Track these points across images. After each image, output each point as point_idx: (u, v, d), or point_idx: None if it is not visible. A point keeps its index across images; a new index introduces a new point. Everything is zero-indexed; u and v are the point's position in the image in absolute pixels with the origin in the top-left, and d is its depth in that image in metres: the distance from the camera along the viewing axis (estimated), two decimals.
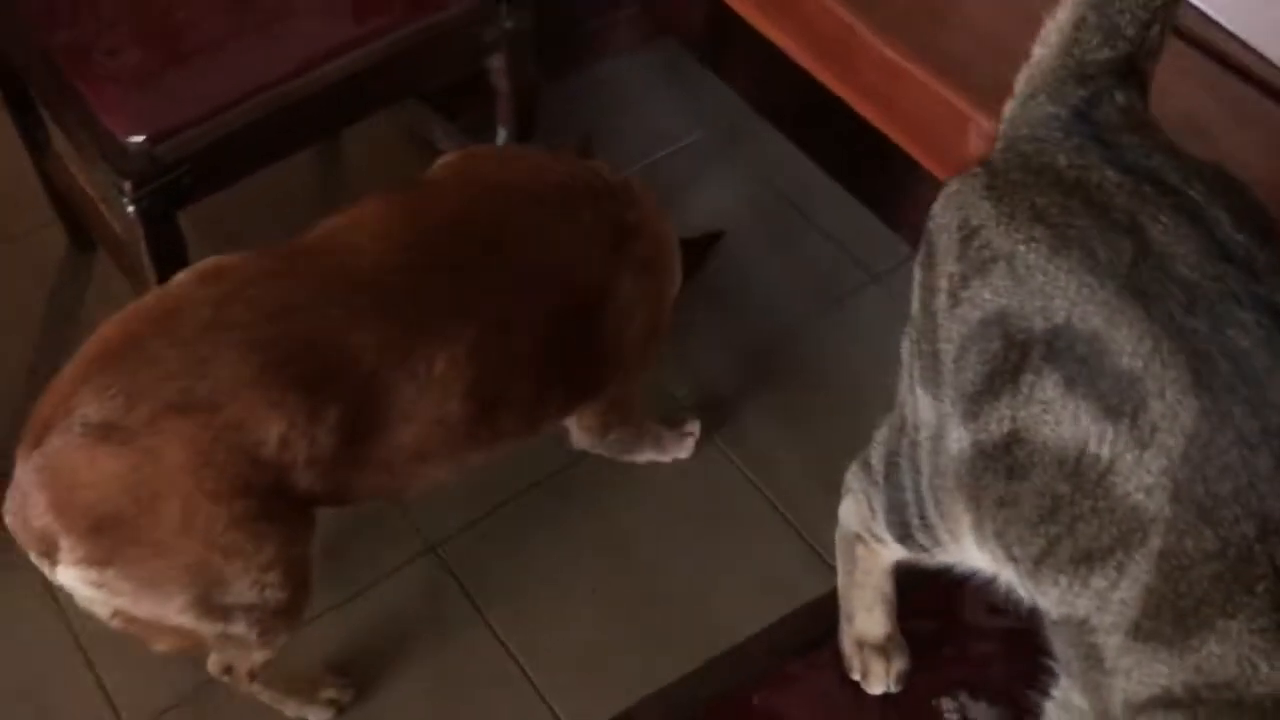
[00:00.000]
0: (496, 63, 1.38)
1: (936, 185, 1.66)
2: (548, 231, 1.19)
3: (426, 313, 1.09)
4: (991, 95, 0.77)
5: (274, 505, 1.04)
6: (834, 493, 1.57)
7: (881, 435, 0.92)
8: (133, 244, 1.26)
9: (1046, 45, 0.72)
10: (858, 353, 1.68)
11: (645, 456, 1.52)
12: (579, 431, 1.39)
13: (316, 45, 1.26)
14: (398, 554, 1.46)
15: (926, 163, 0.82)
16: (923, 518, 0.85)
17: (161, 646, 1.12)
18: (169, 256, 1.25)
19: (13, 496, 1.02)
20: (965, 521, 0.79)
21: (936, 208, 0.74)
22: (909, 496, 0.86)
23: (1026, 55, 0.80)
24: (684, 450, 1.54)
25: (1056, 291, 0.65)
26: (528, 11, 1.38)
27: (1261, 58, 0.80)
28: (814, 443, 1.58)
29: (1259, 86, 0.79)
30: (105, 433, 0.98)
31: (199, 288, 1.06)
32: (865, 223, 1.78)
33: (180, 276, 1.08)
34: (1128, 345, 0.62)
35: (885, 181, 1.73)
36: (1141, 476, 0.62)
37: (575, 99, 1.92)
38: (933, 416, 0.79)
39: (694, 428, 1.54)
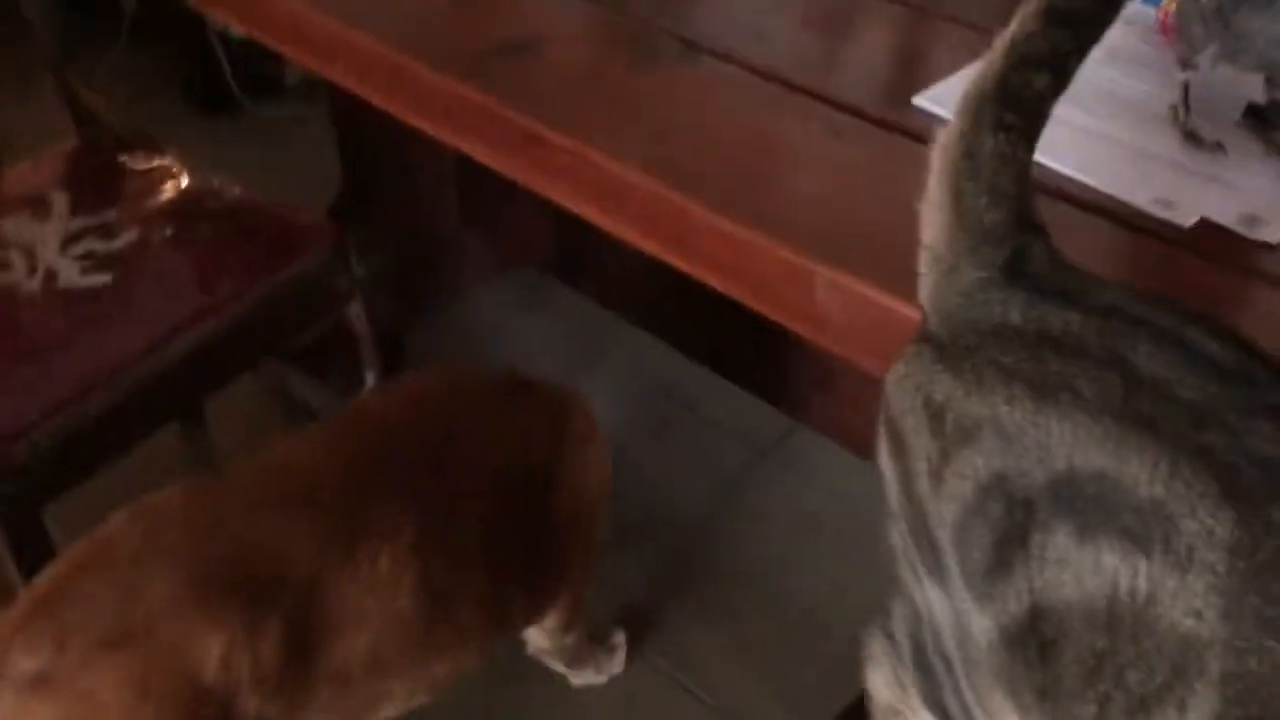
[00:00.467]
0: (354, 310, 1.40)
1: (798, 354, 1.74)
2: (484, 421, 1.21)
3: (365, 510, 1.08)
4: (822, 246, 0.81)
5: None
6: (769, 682, 1.55)
7: (900, 614, 0.84)
8: None
9: (934, 226, 0.72)
10: (758, 529, 1.69)
11: (586, 676, 1.48)
12: (541, 631, 1.36)
13: (161, 323, 1.26)
14: None
15: (779, 318, 0.85)
16: (963, 705, 0.79)
17: None
18: (33, 554, 1.18)
19: None
20: (1008, 707, 0.74)
21: (889, 396, 0.72)
22: (943, 680, 0.80)
23: (845, 208, 0.84)
24: (616, 664, 1.51)
25: (1052, 441, 0.62)
26: (380, 256, 1.40)
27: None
28: (738, 633, 1.56)
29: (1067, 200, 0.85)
30: (39, 683, 0.93)
31: (129, 523, 1.04)
32: (743, 402, 1.82)
33: (114, 516, 1.05)
34: (1143, 474, 0.59)
35: (755, 358, 1.78)
36: (1188, 600, 0.58)
37: (437, 337, 1.95)
38: (948, 611, 0.75)
39: (619, 639, 1.52)
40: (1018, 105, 0.69)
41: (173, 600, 0.97)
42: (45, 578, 1.01)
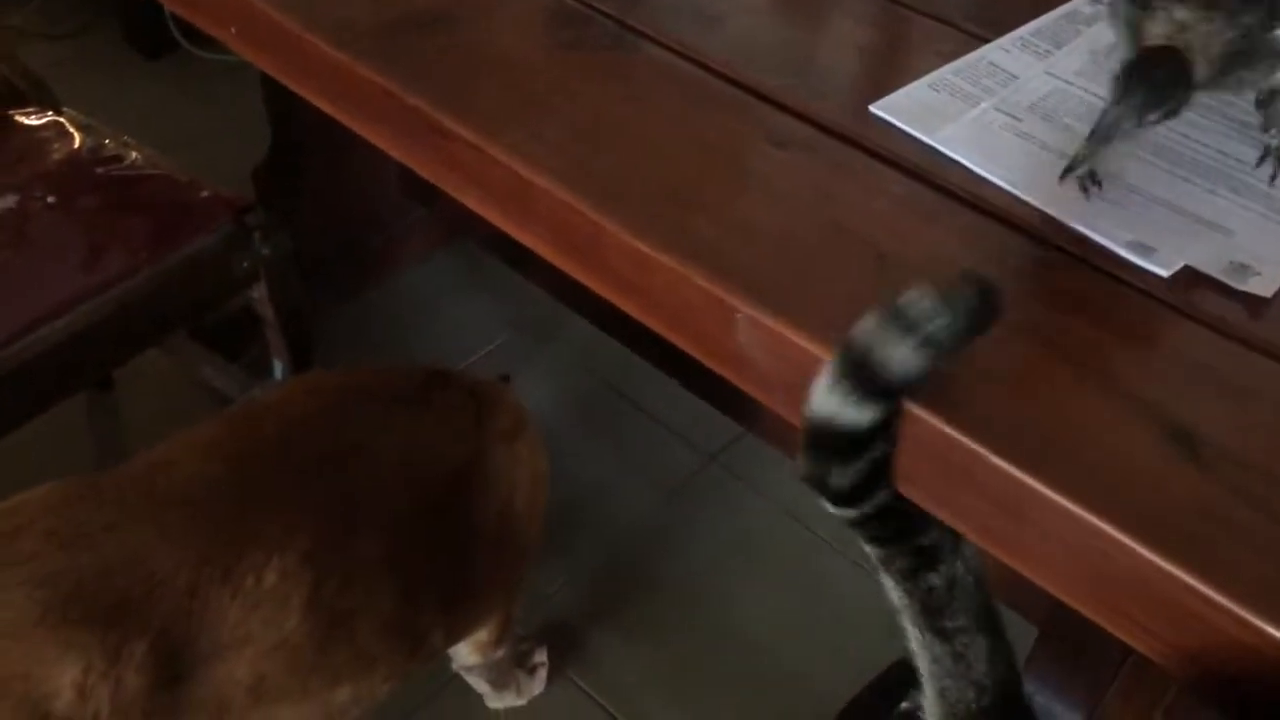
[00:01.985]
0: (258, 292, 1.29)
1: None
2: (394, 421, 1.11)
3: (252, 519, 0.98)
4: (745, 279, 0.71)
5: None
6: (693, 707, 1.47)
7: None
8: None
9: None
10: (699, 542, 1.61)
11: (506, 699, 1.40)
12: (469, 646, 1.28)
13: (39, 302, 1.15)
14: None
15: (697, 354, 0.76)
16: None
17: None
18: None
19: None
20: None
21: None
22: None
23: (779, 234, 0.75)
24: (538, 685, 1.43)
25: None
26: (293, 232, 1.30)
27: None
28: (666, 654, 1.48)
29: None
30: None
31: None
32: (689, 404, 1.72)
33: None
34: None
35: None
36: None
37: (371, 316, 1.85)
38: None
39: (541, 656, 1.43)
40: None
41: (28, 619, 0.88)
42: None
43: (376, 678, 1.07)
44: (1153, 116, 0.71)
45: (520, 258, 1.88)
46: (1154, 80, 0.71)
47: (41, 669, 0.87)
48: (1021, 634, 1.34)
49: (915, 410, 0.65)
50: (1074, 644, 1.18)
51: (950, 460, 0.64)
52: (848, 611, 1.52)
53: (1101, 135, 0.71)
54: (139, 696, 0.90)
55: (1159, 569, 0.58)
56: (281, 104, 1.69)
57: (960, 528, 0.67)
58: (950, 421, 0.64)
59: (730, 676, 1.46)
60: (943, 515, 0.67)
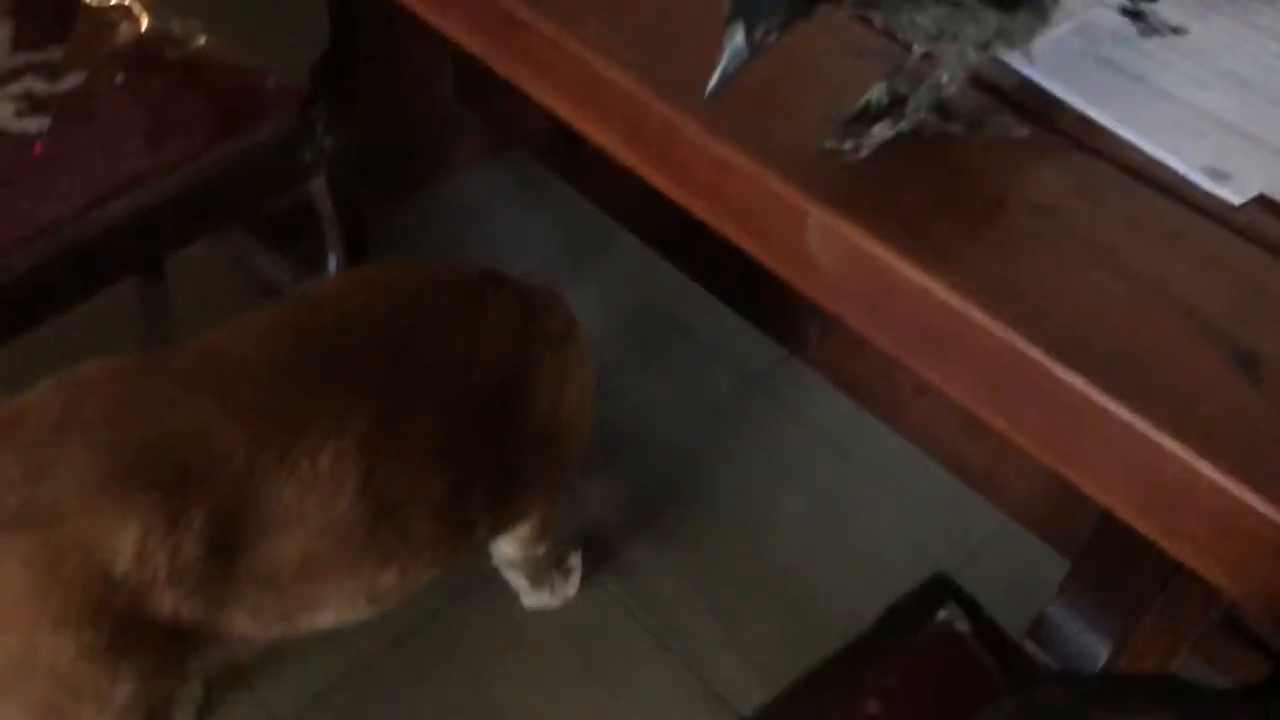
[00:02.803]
0: (317, 185, 1.31)
1: None
2: (450, 317, 1.13)
3: (310, 403, 1.01)
4: (820, 184, 0.72)
5: (133, 634, 0.93)
6: (724, 620, 1.51)
7: None
8: None
9: None
10: (737, 462, 1.63)
11: (541, 598, 1.44)
12: (513, 541, 1.31)
13: (104, 180, 1.17)
14: None
15: (765, 259, 0.77)
16: None
17: None
18: None
19: None
20: None
21: None
22: None
23: None
24: (571, 587, 1.46)
25: None
26: (349, 130, 1.31)
27: (1114, 136, 0.77)
28: (699, 567, 1.51)
29: (1110, 161, 0.76)
30: None
31: (51, 393, 0.97)
32: (735, 326, 1.74)
33: (38, 385, 0.98)
34: None
35: (747, 281, 1.69)
36: None
37: (422, 219, 1.86)
38: None
39: (575, 560, 1.47)
40: None
41: (88, 482, 0.91)
42: None
43: (421, 564, 1.10)
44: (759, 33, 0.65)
45: (572, 170, 1.90)
46: None
47: (103, 530, 0.90)
48: (1055, 570, 1.36)
49: (985, 320, 0.66)
50: (1106, 576, 1.20)
51: (1017, 371, 0.66)
52: (880, 542, 1.54)
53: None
54: (194, 564, 0.94)
55: (1219, 486, 0.60)
56: (342, 3, 1.69)
57: (1020, 440, 0.68)
58: (1021, 333, 0.65)
59: (759, 593, 1.49)
60: (1001, 424, 0.69)
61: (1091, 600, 1.16)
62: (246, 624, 1.01)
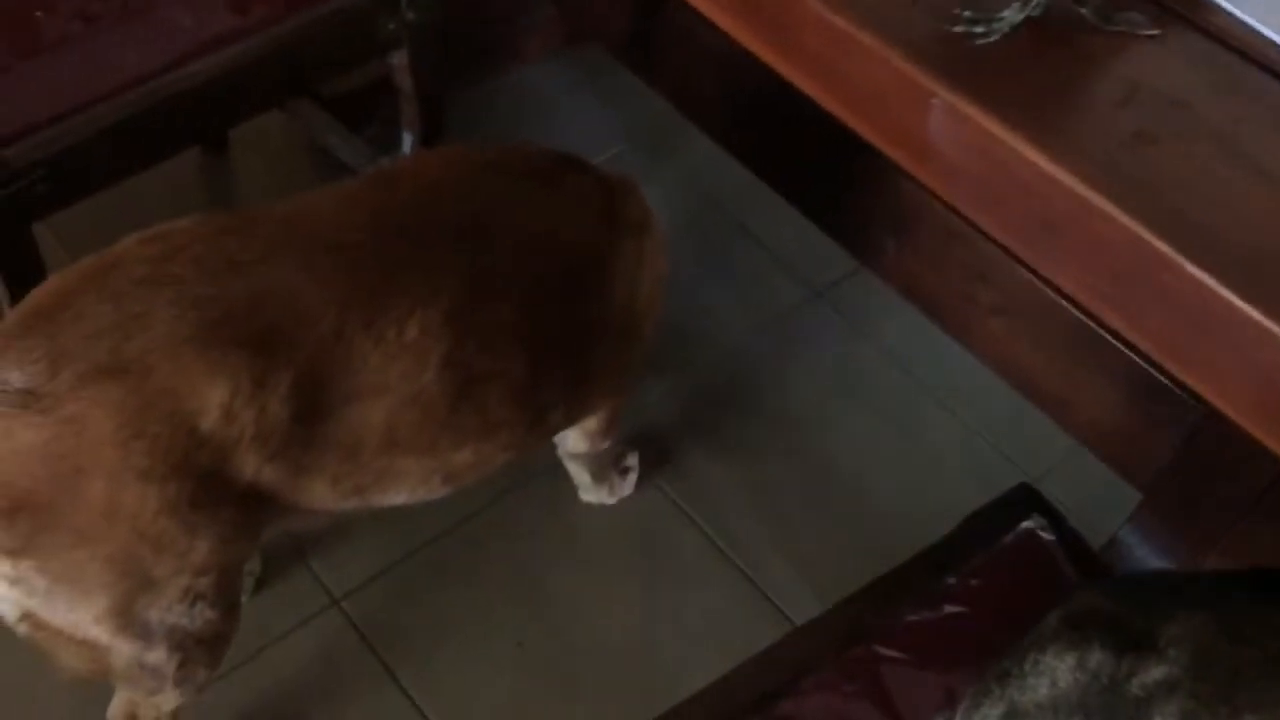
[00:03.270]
0: (398, 59, 1.30)
1: (877, 192, 1.63)
2: (530, 198, 1.13)
3: (397, 274, 1.01)
4: (949, 65, 0.70)
5: (214, 493, 0.94)
6: (779, 528, 1.52)
7: None
8: None
9: None
10: (799, 374, 1.63)
11: (599, 494, 1.45)
12: (581, 433, 1.32)
13: (189, 38, 1.17)
14: (300, 609, 1.35)
15: (876, 140, 0.75)
16: None
17: (69, 664, 1.00)
18: (21, 270, 1.14)
19: None
20: None
21: None
22: None
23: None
24: (627, 487, 1.47)
25: None
26: (433, 3, 1.29)
27: (1245, 26, 0.74)
28: (757, 475, 1.52)
29: (1241, 55, 0.73)
30: (26, 400, 0.88)
31: (141, 246, 0.97)
32: (805, 232, 1.72)
33: (124, 239, 0.98)
34: None
35: (824, 188, 1.67)
36: None
37: (490, 107, 1.85)
38: None
39: (633, 460, 1.47)
40: None
41: (178, 337, 0.91)
42: (46, 291, 0.95)
43: (497, 444, 1.11)
44: None
45: (645, 64, 1.87)
46: None
47: (190, 387, 0.91)
48: (1122, 497, 1.35)
49: (1110, 210, 0.65)
50: (1179, 507, 1.19)
51: (1140, 267, 0.64)
52: (943, 460, 1.54)
53: None
54: (280, 425, 0.95)
55: None
56: None
57: (1139, 339, 0.67)
58: (1148, 227, 0.64)
59: (815, 503, 1.50)
60: (1118, 321, 0.67)
61: (1165, 527, 1.16)
62: (323, 494, 1.02)
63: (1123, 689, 0.66)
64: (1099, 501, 1.38)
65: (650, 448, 1.51)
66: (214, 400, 0.91)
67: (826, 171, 1.61)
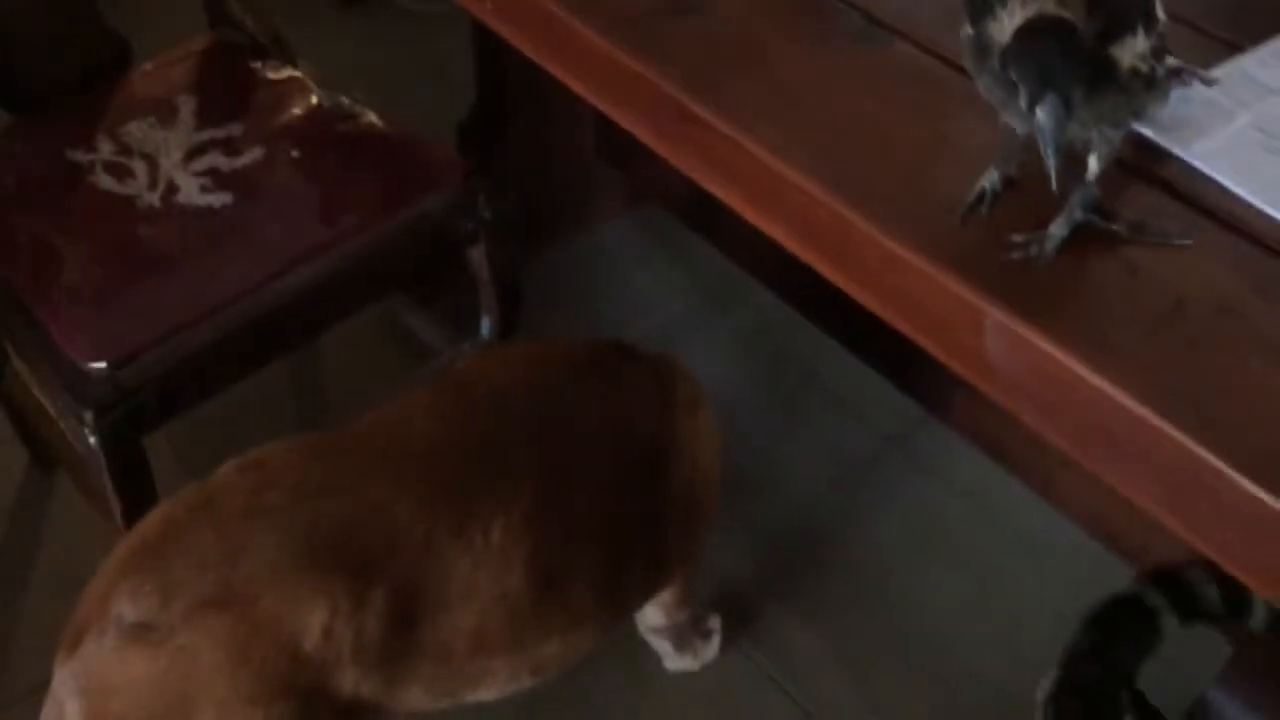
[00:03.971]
0: (476, 253, 1.38)
1: None
2: (593, 391, 1.20)
3: (479, 479, 1.07)
4: (997, 285, 0.76)
5: (316, 709, 1.00)
6: (864, 686, 1.53)
7: None
8: (95, 469, 1.24)
9: None
10: (876, 525, 1.65)
11: (684, 661, 1.48)
12: (658, 608, 1.36)
13: (282, 253, 1.26)
14: None
15: (942, 357, 0.81)
16: None
17: None
18: (133, 480, 1.23)
19: (48, 707, 0.99)
20: None
21: None
22: None
23: None
24: (711, 651, 1.50)
25: None
26: (507, 199, 1.38)
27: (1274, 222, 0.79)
28: (838, 630, 1.54)
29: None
30: (140, 633, 0.96)
31: (237, 476, 1.05)
32: (873, 384, 1.76)
33: (222, 468, 1.07)
34: None
35: (890, 340, 1.71)
36: None
37: (558, 273, 1.93)
38: None
39: (715, 623, 1.50)
40: None
41: (279, 564, 0.99)
42: (153, 523, 1.03)
43: (584, 634, 1.16)
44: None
45: (708, 224, 1.95)
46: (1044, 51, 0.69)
47: (292, 612, 0.98)
48: (1209, 648, 1.35)
49: (1165, 428, 0.69)
50: (1273, 661, 1.19)
51: (1195, 478, 0.68)
52: (1024, 611, 1.55)
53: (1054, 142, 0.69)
54: (377, 640, 1.01)
55: None
56: (490, 60, 1.78)
57: (1200, 545, 0.71)
58: (1201, 443, 0.68)
59: (901, 663, 1.51)
60: (1177, 525, 0.71)
61: (1254, 685, 1.16)
62: (418, 698, 1.08)
63: None
64: (1191, 653, 1.38)
65: (730, 609, 1.53)
66: (315, 622, 0.98)
67: (888, 324, 1.66)
